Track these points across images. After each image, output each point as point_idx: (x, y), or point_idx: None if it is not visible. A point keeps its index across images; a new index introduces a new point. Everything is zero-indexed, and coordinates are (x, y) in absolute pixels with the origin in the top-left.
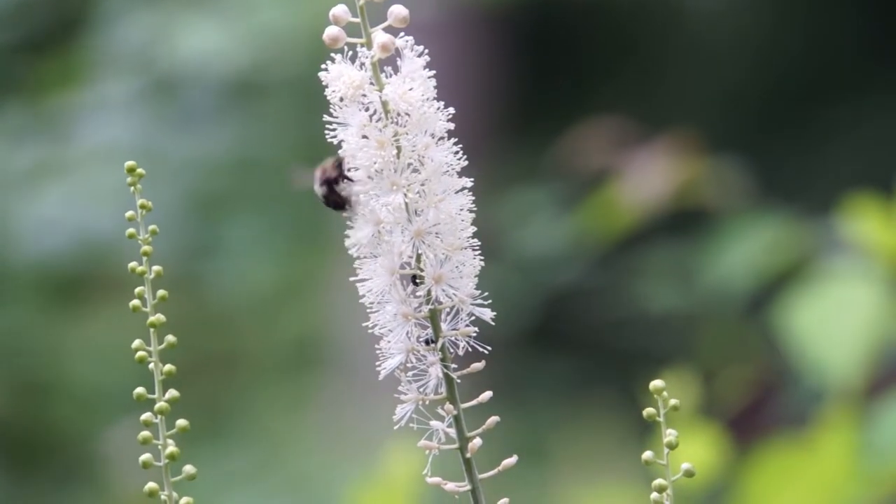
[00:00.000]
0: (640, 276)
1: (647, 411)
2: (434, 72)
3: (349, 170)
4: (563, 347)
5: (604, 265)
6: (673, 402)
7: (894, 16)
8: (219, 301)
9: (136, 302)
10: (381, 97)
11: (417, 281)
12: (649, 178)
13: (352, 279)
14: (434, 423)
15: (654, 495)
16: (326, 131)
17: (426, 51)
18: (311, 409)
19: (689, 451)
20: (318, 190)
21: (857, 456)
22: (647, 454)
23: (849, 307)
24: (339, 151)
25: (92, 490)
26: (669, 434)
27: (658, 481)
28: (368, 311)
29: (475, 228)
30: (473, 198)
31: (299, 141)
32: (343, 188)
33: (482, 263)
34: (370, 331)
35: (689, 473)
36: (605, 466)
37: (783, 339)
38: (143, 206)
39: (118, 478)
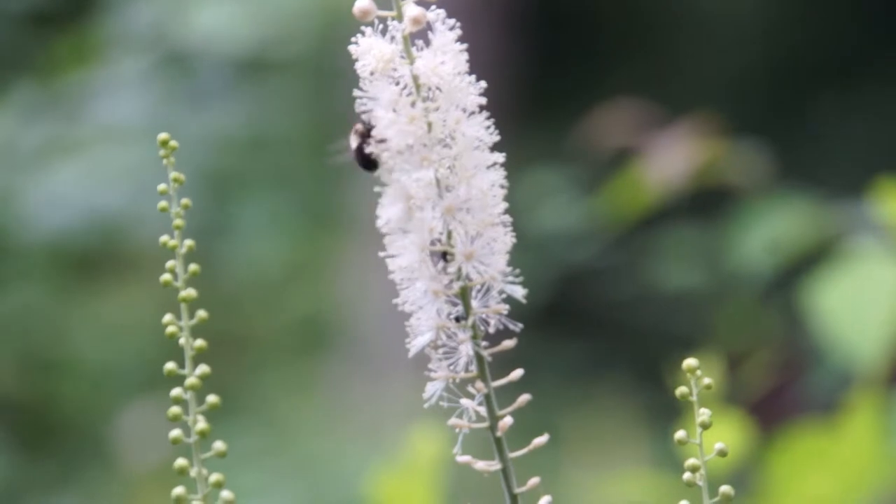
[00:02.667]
0: (658, 256)
1: (681, 390)
2: (466, 45)
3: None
4: (577, 329)
5: (622, 246)
6: (706, 380)
7: None
8: (229, 281)
9: (167, 276)
10: (411, 71)
11: (448, 257)
12: (671, 158)
13: (382, 255)
14: (464, 402)
15: (687, 475)
16: (356, 106)
17: (458, 24)
18: (321, 391)
19: (714, 435)
20: (352, 148)
21: (882, 440)
22: (680, 434)
23: (875, 290)
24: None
25: (103, 469)
26: (703, 413)
27: (691, 461)
28: (398, 287)
29: (507, 204)
30: (505, 173)
31: (311, 118)
32: (371, 147)
33: (514, 240)
34: (400, 308)
35: (722, 453)
36: (616, 448)
37: (808, 321)
38: (175, 180)
39: (129, 457)
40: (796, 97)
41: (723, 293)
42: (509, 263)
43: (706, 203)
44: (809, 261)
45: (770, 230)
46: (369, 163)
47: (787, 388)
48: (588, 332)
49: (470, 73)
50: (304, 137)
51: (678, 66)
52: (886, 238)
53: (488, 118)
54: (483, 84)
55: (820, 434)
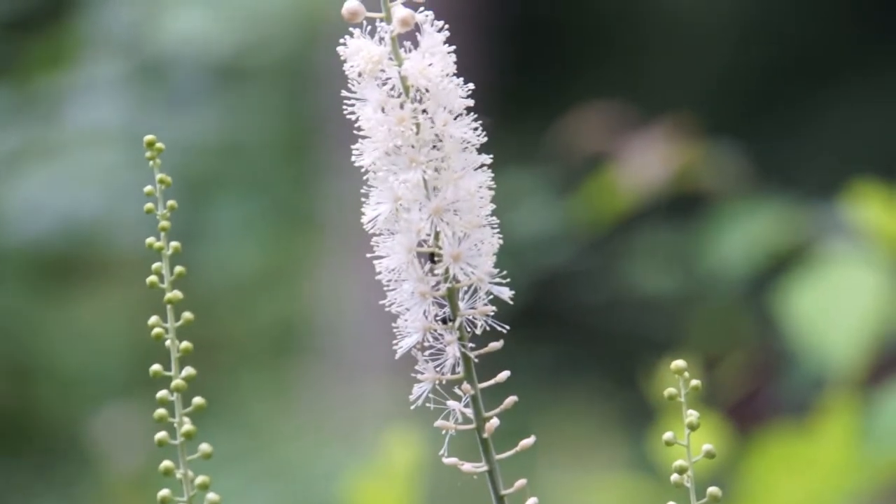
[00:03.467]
0: (634, 259)
1: (668, 391)
2: (454, 47)
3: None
4: (552, 332)
5: (597, 249)
6: (694, 382)
7: None
8: (205, 285)
9: (153, 278)
10: (400, 72)
11: (435, 259)
12: (646, 161)
13: (368, 256)
14: (451, 403)
15: (675, 476)
16: (344, 107)
17: (446, 26)
18: (297, 393)
19: (692, 437)
20: None
21: (857, 443)
22: (667, 435)
23: (850, 293)
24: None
25: (81, 472)
26: (691, 414)
27: (678, 462)
28: (385, 288)
29: (494, 206)
30: (493, 175)
31: (285, 123)
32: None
33: (501, 241)
34: (387, 309)
35: (710, 454)
36: (591, 451)
37: (783, 324)
38: (161, 181)
39: (107, 460)
40: (772, 99)
41: (698, 296)
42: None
43: (682, 206)
44: (785, 264)
45: (746, 233)
46: None
47: (763, 392)
48: (563, 335)
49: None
50: (279, 142)
51: (653, 70)
52: (860, 241)
53: (475, 120)
54: (471, 86)
55: (795, 437)
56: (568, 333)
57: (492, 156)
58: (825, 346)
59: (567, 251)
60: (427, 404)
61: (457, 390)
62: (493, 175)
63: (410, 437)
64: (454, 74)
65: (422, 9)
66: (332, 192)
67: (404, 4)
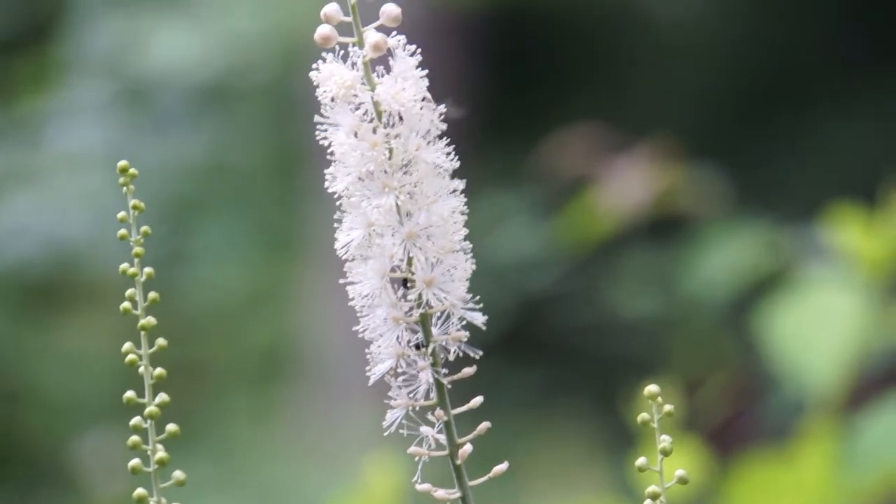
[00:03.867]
0: (616, 282)
1: (641, 416)
2: (427, 71)
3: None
4: (534, 355)
5: (580, 271)
6: (667, 407)
7: (869, 18)
8: (189, 309)
9: (126, 304)
10: (372, 97)
11: (409, 284)
12: (628, 184)
13: (342, 281)
14: (424, 429)
15: (648, 502)
16: (317, 132)
17: (419, 50)
18: (280, 418)
19: (671, 462)
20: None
21: (837, 467)
22: (640, 461)
23: (829, 316)
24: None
25: (64, 497)
26: (664, 440)
27: (651, 488)
28: (358, 314)
29: (467, 231)
30: (466, 200)
31: (271, 146)
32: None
33: (474, 266)
34: (360, 335)
35: (682, 480)
36: (574, 476)
37: (762, 348)
38: (135, 207)
39: (89, 485)
40: (756, 122)
41: (680, 319)
42: (469, 289)
43: (664, 228)
44: (765, 287)
45: (726, 256)
46: None
47: (744, 415)
48: (548, 358)
49: (432, 98)
50: (264, 165)
51: (639, 93)
52: (839, 264)
53: (448, 144)
54: (443, 109)
55: (775, 462)
56: (553, 356)
57: (478, 177)
58: (805, 370)
59: (551, 274)
60: (409, 431)
61: (430, 416)
62: (476, 198)
63: (389, 462)
64: (428, 99)
65: (394, 33)
66: (317, 215)
67: (377, 29)
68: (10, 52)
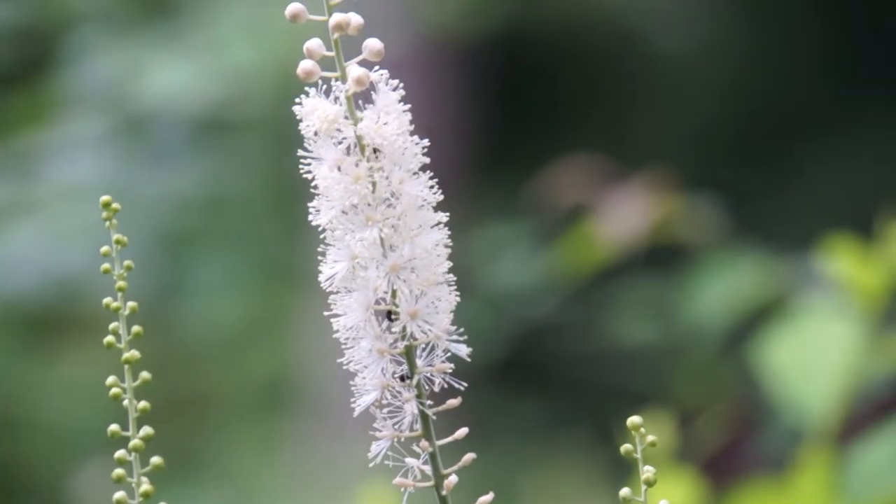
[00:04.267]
0: (614, 312)
1: (625, 447)
2: (409, 105)
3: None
4: (536, 385)
5: (578, 301)
6: (650, 438)
7: (867, 53)
8: (189, 341)
9: (110, 338)
10: (355, 131)
11: (393, 317)
12: (625, 214)
13: (326, 314)
14: (409, 461)
15: None
16: (301, 166)
17: (401, 84)
18: (283, 449)
19: (666, 492)
20: None
21: (833, 497)
22: (624, 491)
23: (825, 346)
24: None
25: None
26: (647, 471)
27: None
28: (343, 346)
29: (451, 263)
30: (449, 232)
31: (270, 179)
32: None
33: (458, 299)
34: (345, 367)
35: None
36: None
37: (759, 377)
38: (118, 242)
39: None
40: (756, 153)
41: (679, 349)
42: (459, 320)
43: (662, 258)
44: (762, 317)
45: (724, 286)
46: None
47: (741, 445)
48: (548, 388)
49: (428, 128)
50: (263, 196)
51: (639, 123)
52: (835, 294)
53: (432, 178)
54: (426, 142)
55: (771, 491)
56: (554, 386)
57: (478, 208)
58: (800, 399)
59: (549, 303)
60: (386, 462)
61: (415, 447)
62: (476, 228)
63: (381, 492)
64: (410, 132)
65: (377, 68)
66: (315, 246)
67: (360, 64)
68: (6, 86)
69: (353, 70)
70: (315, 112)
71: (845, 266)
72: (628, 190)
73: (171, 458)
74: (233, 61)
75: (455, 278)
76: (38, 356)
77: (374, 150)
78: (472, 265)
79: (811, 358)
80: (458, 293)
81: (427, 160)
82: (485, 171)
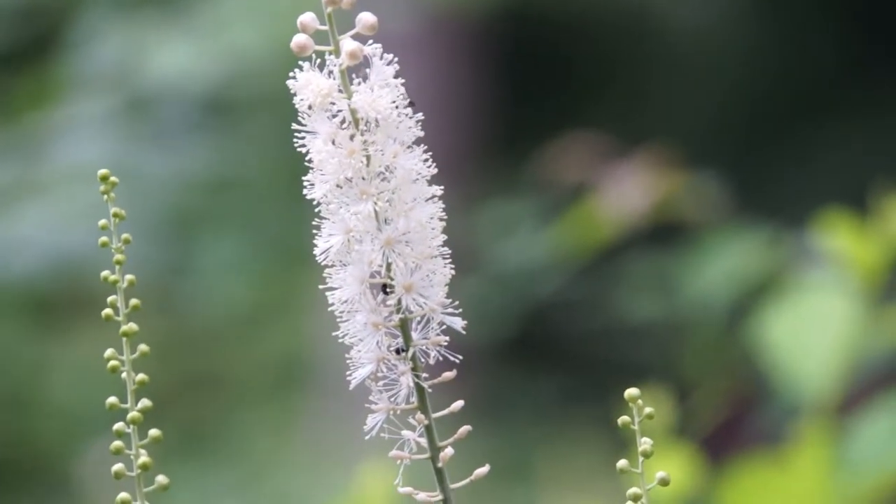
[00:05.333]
0: (619, 288)
1: (622, 419)
2: (404, 81)
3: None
4: (545, 363)
5: (583, 278)
6: (647, 410)
7: (876, 35)
8: (200, 321)
9: (108, 311)
10: (349, 105)
11: (388, 290)
12: (628, 191)
13: (321, 287)
14: (405, 433)
15: None
16: (295, 140)
17: (399, 62)
18: (294, 428)
19: (666, 467)
20: None
21: (832, 472)
22: (621, 463)
23: (823, 321)
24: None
25: None
26: (644, 442)
27: (633, 490)
28: (338, 320)
29: (445, 237)
30: (444, 206)
31: (276, 158)
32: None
33: (453, 272)
34: (340, 340)
35: (663, 482)
36: (589, 484)
37: (759, 353)
38: (116, 216)
39: (96, 495)
40: (765, 131)
41: (683, 325)
42: (468, 298)
43: (665, 235)
44: (761, 293)
45: (724, 264)
46: None
47: (740, 421)
48: (557, 365)
49: (439, 105)
50: (270, 176)
51: (648, 101)
52: (832, 270)
53: (434, 156)
54: (420, 116)
55: (769, 466)
56: (562, 365)
57: (489, 185)
58: (799, 375)
59: (556, 281)
60: (382, 435)
61: (412, 420)
62: (476, 204)
63: (383, 465)
64: (405, 105)
65: (370, 41)
66: None
67: (354, 38)
68: (12, 67)
69: (347, 44)
70: (309, 86)
71: (843, 242)
72: (632, 167)
73: (186, 436)
74: (236, 41)
75: (450, 251)
76: (46, 337)
77: (368, 124)
78: (480, 243)
79: (810, 333)
80: (466, 271)
81: (421, 133)
82: (495, 149)
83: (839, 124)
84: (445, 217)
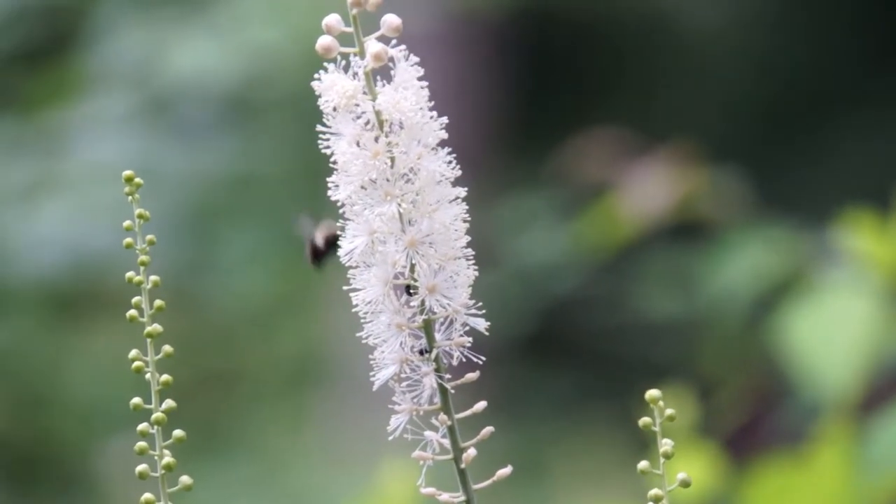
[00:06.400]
0: (639, 284)
1: (643, 421)
2: (427, 82)
3: (334, 240)
4: (564, 360)
5: (603, 275)
6: (669, 411)
7: (894, 28)
8: (218, 317)
9: (132, 312)
10: (374, 106)
11: (411, 291)
12: (649, 188)
13: (345, 288)
14: (428, 434)
15: None
16: (319, 141)
17: (420, 60)
18: (311, 425)
19: (687, 467)
20: (308, 249)
21: (853, 471)
22: (642, 464)
23: (844, 320)
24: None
25: (90, 502)
26: (665, 443)
27: (654, 491)
28: (362, 321)
29: (469, 238)
30: (467, 207)
31: (296, 157)
32: (324, 256)
33: (476, 273)
34: (364, 341)
35: (684, 483)
36: (606, 482)
37: (780, 352)
38: (140, 216)
39: (116, 492)
40: (782, 127)
41: (703, 323)
42: (487, 294)
43: (686, 232)
44: (783, 291)
45: (745, 262)
46: (315, 261)
47: (762, 420)
48: (575, 363)
49: (458, 102)
50: (290, 173)
51: (664, 98)
52: (853, 269)
53: (451, 153)
54: (445, 119)
55: (791, 465)
56: (581, 362)
57: (508, 182)
58: (820, 373)
59: (576, 277)
60: (405, 435)
61: (434, 421)
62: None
63: (405, 465)
64: (430, 108)
65: (394, 42)
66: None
67: (379, 39)
68: (33, 64)
69: (372, 45)
70: (334, 87)
71: (864, 241)
72: (653, 164)
73: (202, 434)
74: (257, 39)
75: (473, 253)
76: (67, 333)
77: (393, 126)
78: (499, 239)
79: (830, 332)
80: (486, 267)
81: (445, 135)
82: (514, 146)
83: (857, 120)
84: (469, 219)
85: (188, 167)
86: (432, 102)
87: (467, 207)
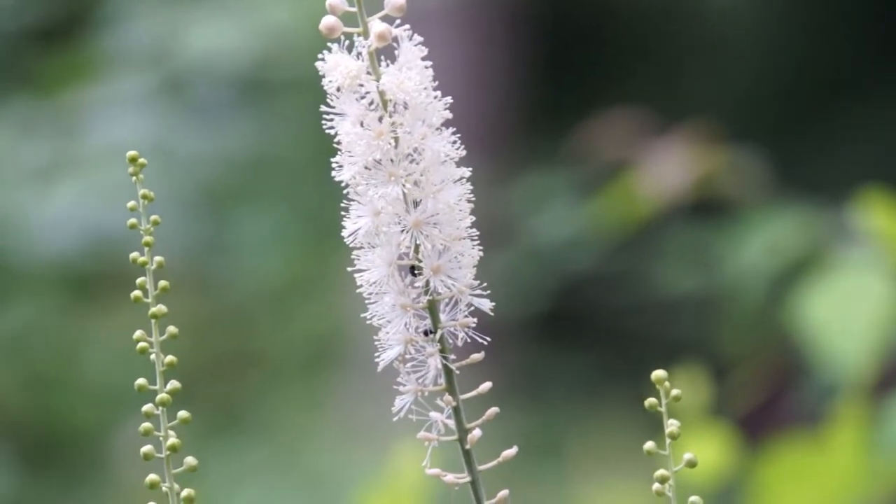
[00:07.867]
0: (658, 263)
1: (649, 401)
2: (440, 60)
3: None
4: (581, 339)
5: (620, 253)
6: (675, 392)
7: None
8: (234, 299)
9: (137, 293)
10: (378, 86)
11: (416, 272)
12: (668, 168)
13: (349, 269)
14: (433, 415)
15: (656, 486)
16: (323, 122)
17: (436, 38)
18: (327, 407)
19: (701, 447)
20: None
21: (867, 451)
22: (648, 444)
23: (860, 300)
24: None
25: (103, 485)
26: (671, 424)
27: (660, 472)
28: (366, 302)
29: (474, 218)
30: (472, 187)
31: (312, 137)
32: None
33: (481, 253)
34: (368, 322)
35: (691, 464)
36: (622, 463)
37: (796, 332)
38: (145, 197)
39: (128, 473)
40: (801, 107)
41: (722, 302)
42: (494, 273)
43: (704, 212)
44: (799, 272)
45: (763, 241)
46: None
47: (778, 400)
48: (592, 343)
49: (472, 82)
50: (306, 154)
51: (683, 78)
52: (870, 248)
53: (465, 133)
54: (449, 99)
55: (806, 446)
56: (597, 343)
57: (523, 159)
58: (836, 353)
59: (592, 256)
60: (410, 416)
61: (440, 402)
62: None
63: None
64: (433, 87)
65: (397, 22)
66: None
67: (383, 19)
68: (47, 43)
69: (376, 25)
70: (337, 68)
71: (880, 220)
72: (672, 143)
73: (217, 416)
74: (271, 19)
75: (478, 233)
76: (81, 315)
77: (397, 106)
78: (517, 217)
79: (847, 312)
80: (503, 246)
81: (450, 115)
82: (531, 124)
83: (877, 102)
84: (474, 199)
85: (204, 148)
86: (436, 82)
87: (474, 185)
